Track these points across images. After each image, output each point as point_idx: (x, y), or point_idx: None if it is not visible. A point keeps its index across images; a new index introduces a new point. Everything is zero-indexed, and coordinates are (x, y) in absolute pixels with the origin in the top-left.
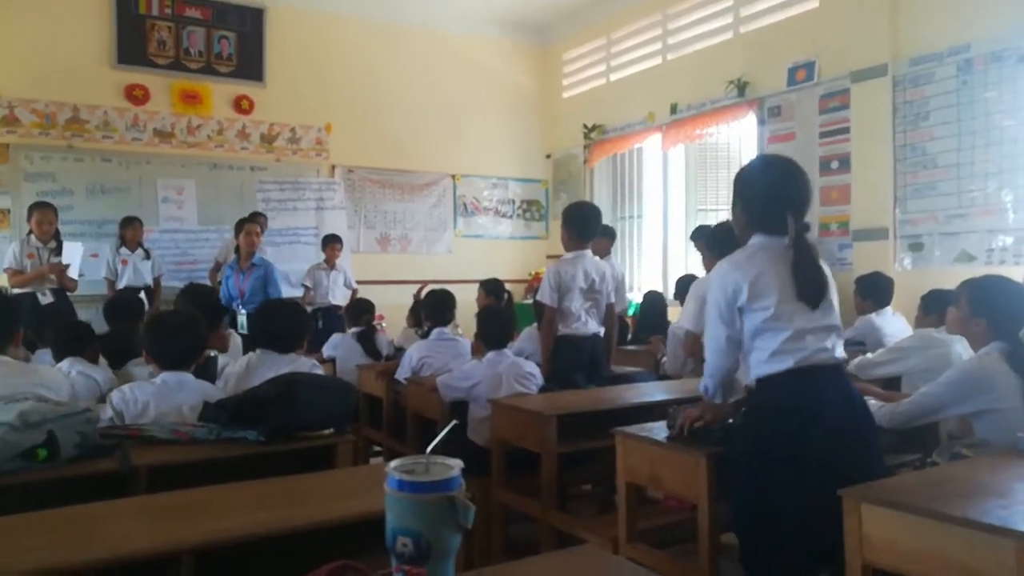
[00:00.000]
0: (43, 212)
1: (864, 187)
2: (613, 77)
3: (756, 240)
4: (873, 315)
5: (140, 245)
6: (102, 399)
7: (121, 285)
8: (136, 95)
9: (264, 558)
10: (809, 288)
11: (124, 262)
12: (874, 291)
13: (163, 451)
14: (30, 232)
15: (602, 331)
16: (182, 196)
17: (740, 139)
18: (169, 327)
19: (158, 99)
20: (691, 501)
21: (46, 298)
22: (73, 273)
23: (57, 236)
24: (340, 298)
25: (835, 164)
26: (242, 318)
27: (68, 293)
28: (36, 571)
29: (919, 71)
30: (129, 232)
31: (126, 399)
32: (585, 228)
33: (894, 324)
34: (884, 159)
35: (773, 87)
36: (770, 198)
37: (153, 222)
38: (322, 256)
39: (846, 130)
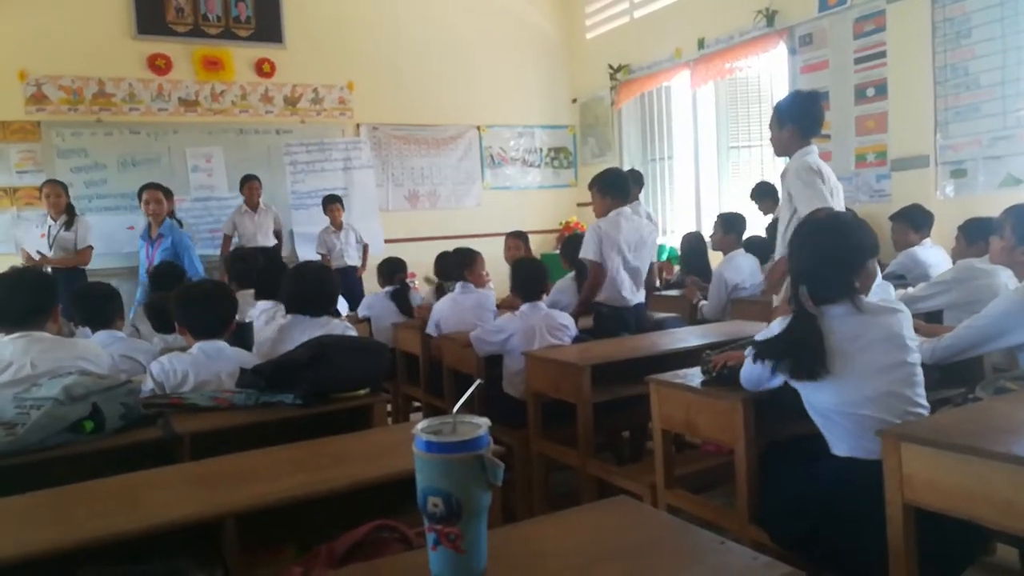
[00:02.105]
0: (51, 187)
1: (902, 113)
2: (637, 14)
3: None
4: (916, 248)
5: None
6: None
7: None
8: (159, 65)
9: (304, 518)
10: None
11: None
12: (914, 220)
13: (204, 418)
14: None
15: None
16: (211, 164)
17: (771, 72)
18: (198, 298)
19: (180, 67)
20: (728, 446)
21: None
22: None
23: (69, 212)
24: (355, 257)
25: (871, 91)
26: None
27: (84, 268)
28: (90, 539)
29: None
30: None
31: (165, 370)
32: (623, 191)
33: (932, 255)
34: (923, 82)
35: (803, 14)
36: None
37: (184, 191)
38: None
39: (882, 54)
